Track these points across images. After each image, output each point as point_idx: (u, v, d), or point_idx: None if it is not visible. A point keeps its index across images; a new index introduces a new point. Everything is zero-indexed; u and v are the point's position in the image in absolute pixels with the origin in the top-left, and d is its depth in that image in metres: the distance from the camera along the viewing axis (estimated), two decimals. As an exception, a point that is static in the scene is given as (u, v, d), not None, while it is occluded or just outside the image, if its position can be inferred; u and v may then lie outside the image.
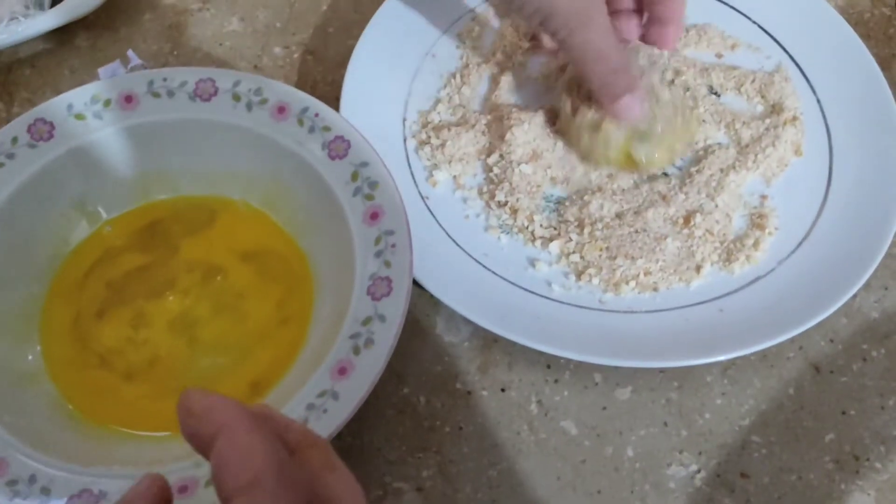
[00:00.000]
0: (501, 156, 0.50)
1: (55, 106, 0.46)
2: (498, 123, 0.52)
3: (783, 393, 0.46)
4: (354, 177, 0.45)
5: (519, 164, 0.49)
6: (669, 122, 0.49)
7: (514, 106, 0.53)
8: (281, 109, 0.47)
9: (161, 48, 0.59)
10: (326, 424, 0.38)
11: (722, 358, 0.43)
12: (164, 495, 0.28)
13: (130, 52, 0.57)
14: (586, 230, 0.48)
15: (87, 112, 0.46)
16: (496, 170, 0.50)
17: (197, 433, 0.26)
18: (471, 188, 0.51)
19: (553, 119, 0.52)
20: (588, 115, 0.49)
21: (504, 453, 0.44)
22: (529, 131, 0.50)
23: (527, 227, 0.49)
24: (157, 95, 0.47)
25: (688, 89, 0.53)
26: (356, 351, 0.40)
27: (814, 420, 0.45)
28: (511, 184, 0.49)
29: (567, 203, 0.50)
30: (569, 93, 0.50)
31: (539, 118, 0.51)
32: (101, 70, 0.56)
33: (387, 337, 0.40)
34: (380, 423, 0.45)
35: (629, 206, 0.49)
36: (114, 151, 0.47)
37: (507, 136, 0.50)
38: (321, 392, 0.39)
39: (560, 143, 0.51)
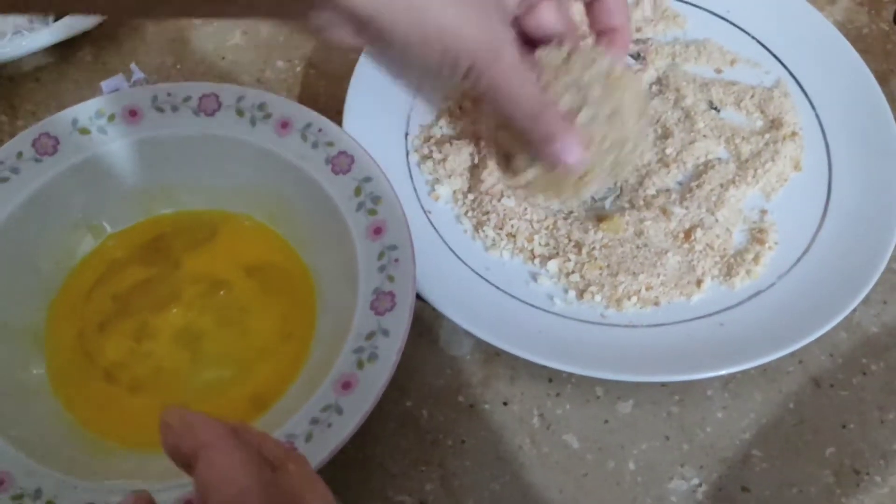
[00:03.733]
0: (480, 192, 0.49)
1: (60, 120, 0.47)
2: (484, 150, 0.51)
3: (784, 407, 0.46)
4: (357, 192, 0.45)
5: (500, 200, 0.49)
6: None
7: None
8: (284, 124, 0.47)
9: (164, 62, 0.59)
10: (331, 439, 0.38)
11: (723, 372, 0.44)
12: None
13: (133, 66, 0.57)
14: (584, 250, 0.48)
15: (91, 126, 0.47)
16: (477, 206, 0.50)
17: (178, 449, 0.26)
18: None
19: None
20: (522, 173, 0.43)
21: (506, 467, 0.44)
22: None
23: (526, 247, 0.49)
24: (161, 110, 0.47)
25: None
26: (360, 365, 0.40)
27: (814, 434, 0.45)
28: (499, 215, 0.49)
29: (560, 224, 0.49)
30: (497, 143, 0.44)
31: None
32: (103, 84, 0.56)
33: (390, 351, 0.40)
34: (382, 436, 0.45)
35: (629, 222, 0.49)
36: (118, 166, 0.47)
37: (484, 174, 0.50)
38: (325, 406, 0.39)
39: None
